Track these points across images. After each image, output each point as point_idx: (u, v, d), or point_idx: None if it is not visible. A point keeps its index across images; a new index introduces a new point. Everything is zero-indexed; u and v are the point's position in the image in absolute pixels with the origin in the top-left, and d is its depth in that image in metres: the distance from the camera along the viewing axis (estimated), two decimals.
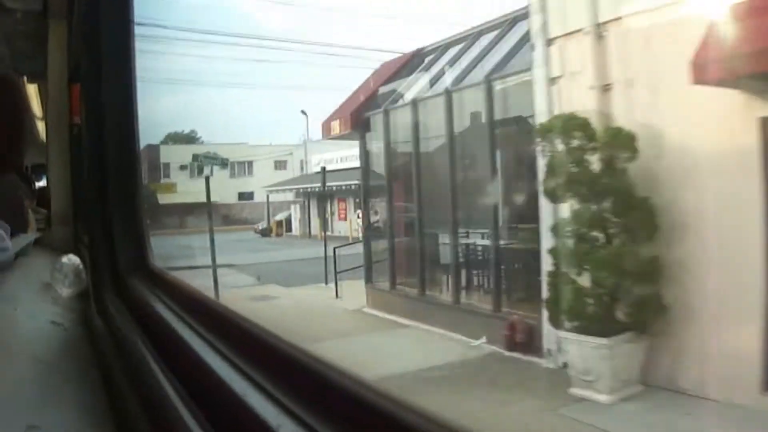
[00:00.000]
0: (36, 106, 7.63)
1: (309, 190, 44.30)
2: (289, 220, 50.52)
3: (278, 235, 48.65)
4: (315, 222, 45.58)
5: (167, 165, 57.44)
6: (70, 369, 2.38)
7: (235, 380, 1.33)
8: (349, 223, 40.81)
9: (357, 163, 34.28)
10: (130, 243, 2.90)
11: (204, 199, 47.44)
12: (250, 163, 62.07)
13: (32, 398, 1.98)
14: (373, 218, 27.83)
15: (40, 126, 7.42)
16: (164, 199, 50.95)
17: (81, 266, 3.10)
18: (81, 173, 3.30)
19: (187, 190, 50.18)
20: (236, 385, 1.31)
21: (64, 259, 3.14)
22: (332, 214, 45.14)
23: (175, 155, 57.29)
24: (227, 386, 1.33)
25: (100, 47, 2.98)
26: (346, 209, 44.19)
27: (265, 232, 49.82)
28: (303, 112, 54.15)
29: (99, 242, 3.00)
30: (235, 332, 1.53)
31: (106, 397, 2.05)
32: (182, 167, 54.69)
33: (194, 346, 1.63)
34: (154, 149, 55.22)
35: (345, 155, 39.73)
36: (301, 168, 53.95)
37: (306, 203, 48.43)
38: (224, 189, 50.36)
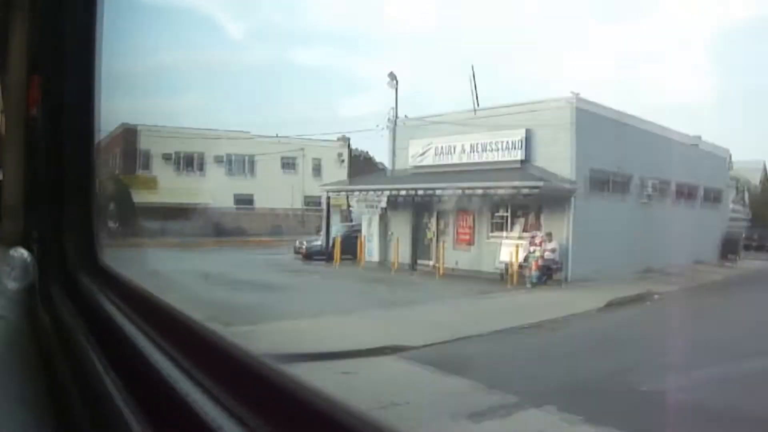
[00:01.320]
0: None
1: (400, 194, 28.35)
2: (349, 237, 31.46)
3: (339, 260, 29.65)
4: (397, 242, 28.88)
5: (147, 154, 46.45)
6: (12, 362, 2.35)
7: (179, 380, 1.34)
8: (512, 251, 23.94)
9: (504, 155, 26.26)
10: (81, 239, 2.87)
11: (194, 200, 42.25)
12: (252, 161, 50.93)
13: None
14: (549, 245, 22.81)
15: None
16: (142, 197, 40.73)
17: (29, 260, 3.05)
18: (35, 167, 3.25)
19: (172, 186, 42.93)
20: (180, 385, 1.31)
21: (13, 251, 3.09)
22: (440, 233, 28.17)
23: (158, 142, 46.46)
24: (170, 385, 1.33)
25: (61, 39, 2.95)
26: (472, 228, 27.27)
27: (316, 254, 31.43)
28: (392, 75, 34.02)
29: (49, 237, 2.96)
30: (183, 334, 1.53)
31: (47, 391, 2.03)
32: (166, 157, 46.82)
33: (140, 345, 1.63)
34: (131, 132, 42.98)
35: (480, 142, 26.93)
36: (391, 158, 31.51)
37: (382, 214, 29.72)
38: (220, 190, 45.21)
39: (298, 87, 64.41)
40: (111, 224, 30.25)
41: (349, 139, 52.79)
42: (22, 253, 3.03)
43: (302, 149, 50.64)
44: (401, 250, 28.24)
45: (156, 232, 36.74)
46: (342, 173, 50.29)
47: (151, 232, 35.19)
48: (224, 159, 49.24)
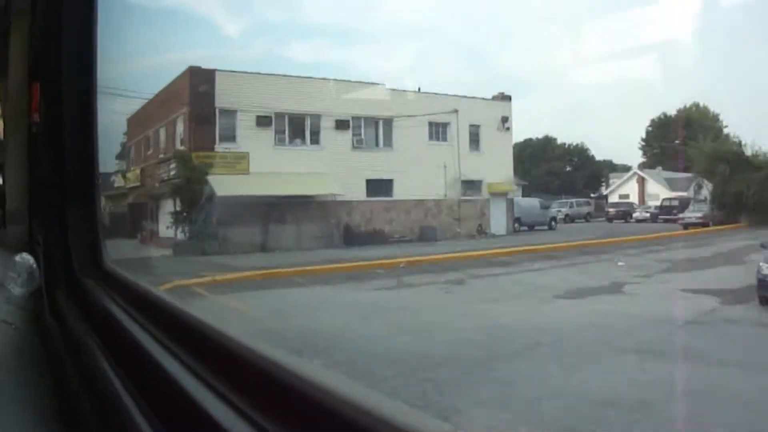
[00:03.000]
0: None
1: None
2: None
3: None
4: None
5: (231, 116, 29.92)
6: (21, 368, 2.35)
7: (189, 382, 1.34)
8: None
9: None
10: (86, 243, 2.87)
11: (309, 190, 29.41)
12: (389, 125, 33.88)
13: None
14: None
15: None
16: (225, 187, 27.16)
17: (35, 265, 3.05)
18: (38, 172, 3.25)
19: (272, 168, 28.99)
20: (190, 387, 1.31)
21: (18, 257, 3.10)
22: None
23: (250, 96, 29.79)
24: (180, 387, 1.33)
25: (61, 45, 2.95)
26: None
27: None
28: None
29: (54, 242, 2.97)
30: (190, 334, 1.53)
31: (56, 396, 2.03)
32: (263, 121, 30.33)
33: (148, 347, 1.63)
34: (203, 79, 29.01)
35: None
36: None
37: None
38: (346, 172, 30.95)
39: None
40: (175, 232, 27.94)
41: (509, 97, 37.90)
42: (27, 258, 3.04)
43: (455, 110, 34.99)
44: None
45: (251, 244, 26.28)
46: (506, 145, 37.86)
47: (245, 245, 25.78)
48: (350, 123, 32.68)
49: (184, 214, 27.72)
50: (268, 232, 28.33)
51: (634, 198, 53.11)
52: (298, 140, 31.84)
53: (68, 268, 2.85)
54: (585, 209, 50.93)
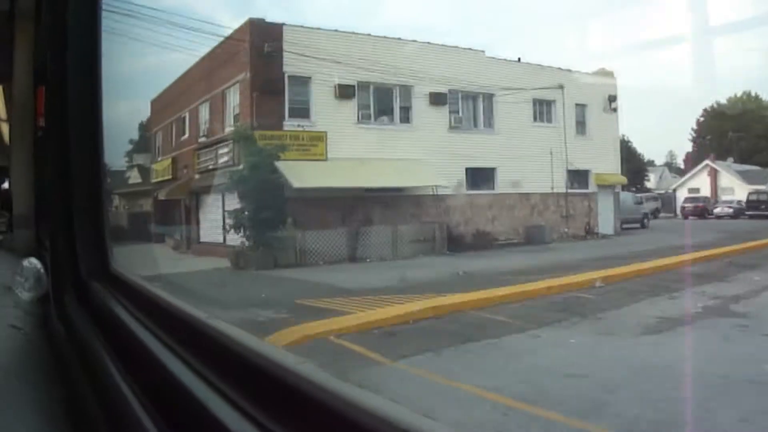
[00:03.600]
0: (0, 108, 7.53)
1: None
2: None
3: None
4: None
5: (303, 83, 23.77)
6: (29, 372, 2.36)
7: (197, 385, 1.33)
8: None
9: None
10: (92, 247, 2.87)
11: (402, 182, 23.54)
12: (490, 101, 27.94)
13: None
14: None
15: (4, 128, 7.32)
16: (298, 176, 21.91)
17: (42, 270, 3.06)
18: (45, 176, 3.26)
19: (356, 154, 23.45)
20: (197, 390, 1.31)
21: (25, 262, 3.10)
22: None
23: (325, 58, 23.56)
24: (188, 390, 1.32)
25: (66, 49, 2.95)
26: None
27: None
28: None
29: (61, 246, 2.97)
30: (197, 337, 1.52)
31: (64, 400, 2.04)
32: (344, 92, 24.06)
33: (156, 352, 1.62)
34: (267, 33, 23.30)
35: None
36: None
37: None
38: (442, 159, 25.37)
39: None
40: (224, 236, 22.96)
41: (612, 73, 32.02)
42: (34, 263, 3.05)
43: (560, 86, 29.21)
44: None
45: (335, 253, 21.42)
46: (613, 129, 32.05)
47: (327, 253, 21.20)
48: (446, 98, 26.52)
49: (245, 212, 21.64)
50: (355, 236, 22.24)
51: (705, 192, 48.12)
52: (384, 117, 25.30)
53: (75, 271, 2.85)
54: (653, 205, 44.36)
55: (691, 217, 40.75)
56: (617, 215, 31.69)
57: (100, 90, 2.99)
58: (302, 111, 23.52)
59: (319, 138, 23.41)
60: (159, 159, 33.59)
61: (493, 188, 27.58)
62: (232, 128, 24.00)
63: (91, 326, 2.28)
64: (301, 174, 21.69)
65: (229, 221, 22.35)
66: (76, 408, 1.96)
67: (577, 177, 30.30)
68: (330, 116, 23.77)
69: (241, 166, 22.39)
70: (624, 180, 32.90)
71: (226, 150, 24.62)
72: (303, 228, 21.33)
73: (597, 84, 30.42)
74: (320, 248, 21.35)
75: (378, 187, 23.24)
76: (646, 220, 35.84)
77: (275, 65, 22.95)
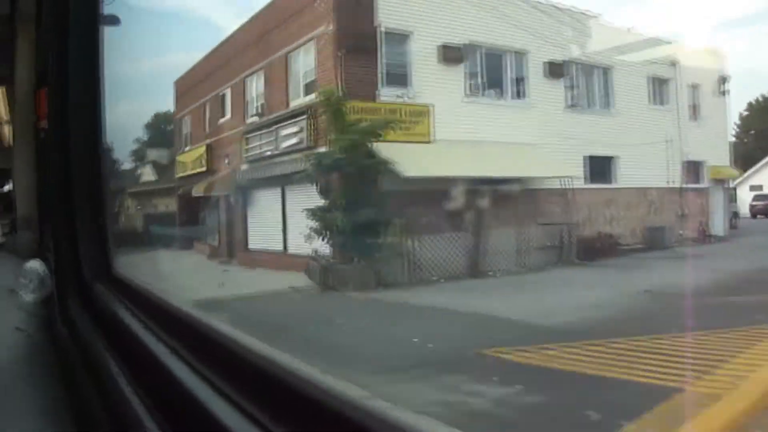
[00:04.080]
0: (2, 110, 7.54)
1: None
2: None
3: None
4: None
5: (401, 42, 18.85)
6: (33, 375, 2.36)
7: (200, 388, 1.33)
8: None
9: None
10: (95, 249, 2.87)
11: (521, 172, 18.36)
12: (607, 76, 23.53)
13: None
14: None
15: (6, 130, 7.34)
16: (412, 163, 16.68)
17: (45, 272, 3.07)
18: (47, 178, 3.26)
19: (460, 135, 18.60)
20: (201, 393, 1.30)
21: (29, 265, 3.11)
22: None
23: (427, 11, 18.95)
24: (192, 394, 1.32)
25: (66, 52, 2.95)
26: None
27: None
28: None
29: (64, 248, 2.97)
30: (200, 339, 1.52)
31: (68, 403, 2.04)
32: (450, 56, 19.28)
33: (159, 354, 1.62)
34: None
35: None
36: None
37: None
38: (562, 143, 20.56)
39: None
40: (282, 239, 18.55)
41: (721, 51, 27.57)
42: (37, 266, 3.05)
43: (674, 62, 24.69)
44: None
45: (451, 263, 16.50)
46: (723, 114, 27.55)
47: (442, 265, 16.32)
48: (564, 69, 21.86)
49: (338, 211, 16.19)
50: (475, 243, 17.28)
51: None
52: (492, 90, 20.23)
53: (78, 274, 2.85)
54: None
55: (759, 216, 37.29)
56: (727, 214, 27.94)
57: (102, 91, 2.99)
58: (400, 78, 18.38)
59: (423, 113, 18.21)
60: (186, 149, 28.46)
61: (612, 181, 23.00)
62: (304, 100, 19.12)
63: (95, 329, 2.29)
64: (405, 160, 16.46)
65: (311, 224, 16.74)
66: (80, 410, 1.96)
67: (692, 169, 26.02)
68: (433, 86, 18.67)
69: (323, 150, 17.47)
70: (736, 174, 29.10)
71: (294, 129, 19.23)
72: (413, 233, 16.33)
73: (708, 63, 25.44)
74: (432, 259, 16.59)
75: (496, 178, 17.75)
76: (735, 220, 30.36)
77: (365, 16, 17.85)
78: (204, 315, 1.63)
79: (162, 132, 39.88)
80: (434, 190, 16.59)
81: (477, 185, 17.08)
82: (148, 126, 42.71)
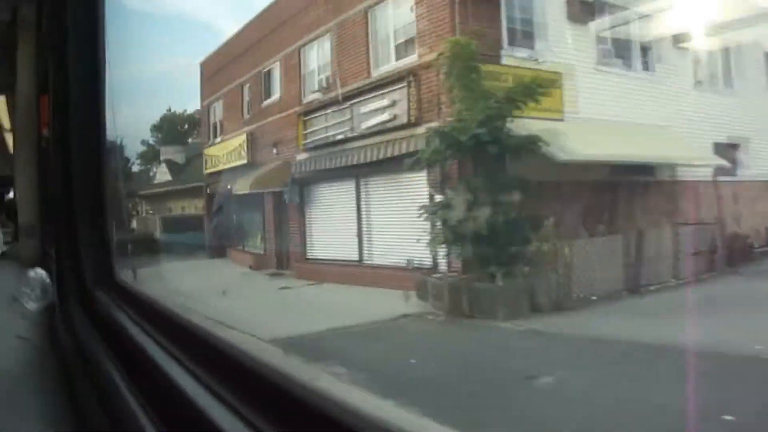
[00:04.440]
0: (4, 118, 7.55)
1: None
2: None
3: None
4: None
5: None
6: (35, 382, 2.37)
7: (200, 394, 1.33)
8: None
9: None
10: (97, 256, 2.87)
11: (661, 157, 14.72)
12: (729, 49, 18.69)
13: None
14: None
15: (8, 138, 7.34)
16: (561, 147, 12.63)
17: (48, 280, 3.07)
18: (49, 185, 3.27)
19: (591, 110, 13.99)
20: (201, 399, 1.31)
21: (31, 272, 3.11)
22: None
23: None
24: (191, 400, 1.32)
25: (67, 59, 2.95)
26: None
27: None
28: None
29: (65, 255, 2.97)
30: (200, 345, 1.53)
31: (70, 410, 2.04)
32: (581, 11, 14.71)
33: (159, 361, 1.62)
34: None
35: None
36: None
37: None
38: (689, 126, 16.07)
39: None
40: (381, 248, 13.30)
41: None
42: (40, 273, 3.05)
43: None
44: None
45: (607, 278, 12.36)
46: None
47: (597, 280, 12.23)
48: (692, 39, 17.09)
49: (472, 210, 12.24)
50: (636, 249, 13.82)
51: None
52: (619, 60, 16.30)
53: (80, 281, 2.86)
54: None
55: None
56: None
57: (104, 98, 2.99)
58: (525, 35, 14.38)
59: (553, 82, 13.39)
60: (217, 141, 24.41)
61: (738, 173, 18.28)
62: (397, 65, 15.16)
63: (97, 336, 2.29)
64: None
65: (439, 228, 12.77)
66: (82, 417, 1.96)
67: None
68: (563, 48, 14.56)
69: (437, 125, 13.24)
70: None
71: (382, 103, 15.14)
72: (565, 237, 12.71)
73: None
74: (584, 271, 12.62)
75: (645, 164, 15.09)
76: None
77: None
78: (204, 322, 1.63)
79: (171, 132, 38.18)
80: (574, 181, 13.52)
81: (608, 175, 14.15)
82: (156, 128, 39.43)
